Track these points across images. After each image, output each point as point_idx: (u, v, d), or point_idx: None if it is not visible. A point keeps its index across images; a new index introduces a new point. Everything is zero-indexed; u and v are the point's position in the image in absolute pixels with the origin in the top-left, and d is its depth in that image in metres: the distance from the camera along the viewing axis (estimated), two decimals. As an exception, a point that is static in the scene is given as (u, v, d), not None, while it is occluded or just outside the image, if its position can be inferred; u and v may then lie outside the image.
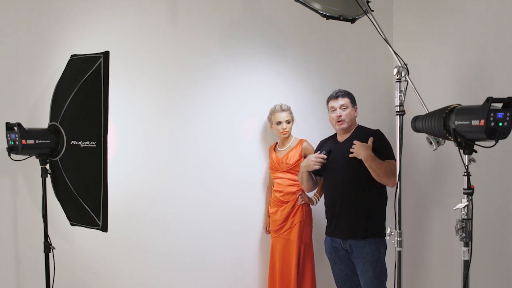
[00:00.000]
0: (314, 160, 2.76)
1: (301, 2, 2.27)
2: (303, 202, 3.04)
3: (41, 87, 2.56)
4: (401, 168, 2.17)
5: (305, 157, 3.01)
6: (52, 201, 2.34)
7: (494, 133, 1.66)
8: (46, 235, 2.29)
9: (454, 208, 1.86)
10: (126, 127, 2.81)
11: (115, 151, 2.69)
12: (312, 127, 3.33)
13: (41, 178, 2.28)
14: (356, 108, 2.82)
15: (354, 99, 2.82)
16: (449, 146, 2.05)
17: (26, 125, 2.18)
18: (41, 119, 2.45)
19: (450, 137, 1.85)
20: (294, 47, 3.35)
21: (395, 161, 2.39)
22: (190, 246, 3.02)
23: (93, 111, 2.12)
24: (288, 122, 3.10)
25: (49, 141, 2.21)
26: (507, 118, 1.65)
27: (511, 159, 2.47)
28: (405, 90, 2.15)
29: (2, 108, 2.46)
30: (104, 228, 2.15)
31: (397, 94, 2.14)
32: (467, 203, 1.83)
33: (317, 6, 2.29)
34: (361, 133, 2.75)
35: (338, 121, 2.74)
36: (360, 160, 2.57)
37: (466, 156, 1.84)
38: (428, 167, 3.16)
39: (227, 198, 3.14)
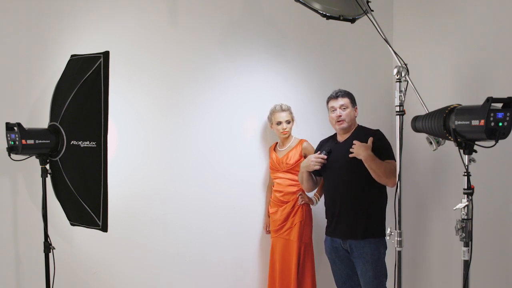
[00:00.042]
0: (314, 160, 2.76)
1: (301, 2, 2.27)
2: (303, 202, 3.04)
3: (41, 87, 2.56)
4: (401, 168, 2.17)
5: (305, 157, 3.01)
6: (52, 201, 2.34)
7: (494, 133, 1.66)
8: (46, 235, 2.29)
9: (454, 208, 1.86)
10: (126, 127, 2.81)
11: (115, 151, 2.69)
12: (312, 127, 3.33)
13: (41, 178, 2.28)
14: (356, 108, 2.82)
15: (354, 99, 2.82)
16: (449, 146, 2.05)
17: (26, 125, 2.18)
18: (41, 119, 2.45)
19: (450, 137, 1.85)
20: (294, 47, 3.35)
21: (395, 161, 2.39)
22: (190, 246, 3.02)
23: (93, 111, 2.12)
24: (288, 122, 3.10)
25: (49, 141, 2.21)
26: (507, 118, 1.65)
27: (511, 159, 2.47)
28: (405, 90, 2.15)
29: (2, 108, 2.46)
30: (104, 228, 2.15)
31: (397, 94, 2.14)
32: (467, 203, 1.83)
33: (317, 6, 2.29)
34: (361, 133, 2.75)
35: (338, 121, 2.74)
36: (360, 160, 2.57)
37: (466, 156, 1.84)
38: (428, 167, 3.16)
39: (227, 198, 3.14)
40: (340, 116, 2.73)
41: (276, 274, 3.08)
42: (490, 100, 1.64)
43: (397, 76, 2.13)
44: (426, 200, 3.19)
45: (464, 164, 1.84)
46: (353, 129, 2.79)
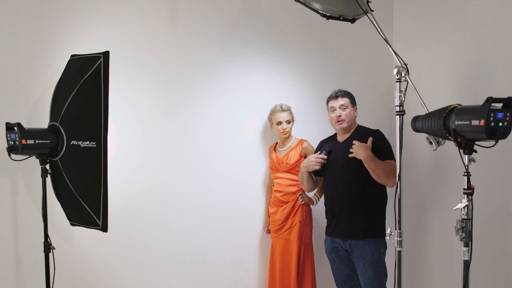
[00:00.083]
0: (314, 161, 2.76)
1: (301, 2, 2.27)
2: (303, 202, 3.04)
3: (41, 87, 2.56)
4: (401, 168, 2.17)
5: (305, 157, 3.01)
6: (52, 201, 2.34)
7: (494, 133, 1.66)
8: (46, 235, 2.29)
9: (454, 208, 1.86)
10: (126, 127, 2.81)
11: (115, 151, 2.69)
12: (312, 127, 3.33)
13: (41, 178, 2.28)
14: (356, 108, 2.82)
15: (354, 99, 2.82)
16: (449, 146, 2.05)
17: (26, 125, 2.18)
18: (41, 119, 2.45)
19: (450, 137, 1.85)
20: (294, 47, 3.35)
21: (395, 161, 2.40)
22: (190, 246, 3.02)
23: (93, 111, 2.11)
24: (288, 122, 3.10)
25: (49, 141, 2.21)
26: (507, 118, 1.65)
27: (511, 159, 2.47)
28: (405, 90, 2.15)
29: (2, 108, 2.46)
30: (104, 228, 2.15)
31: (397, 94, 2.14)
32: (467, 203, 1.83)
33: (317, 6, 2.29)
34: (361, 133, 2.75)
35: (338, 121, 2.74)
36: (360, 160, 2.57)
37: (466, 156, 1.84)
38: (428, 167, 3.16)
39: (227, 198, 3.14)
40: (340, 116, 2.73)
41: (276, 274, 3.08)
42: (490, 100, 1.64)
43: (397, 76, 2.13)
44: (426, 200, 3.19)
45: (464, 164, 1.84)
46: (353, 129, 2.79)
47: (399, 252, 2.16)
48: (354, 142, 2.63)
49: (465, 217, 1.83)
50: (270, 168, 3.21)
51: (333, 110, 2.77)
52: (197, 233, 3.04)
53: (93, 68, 2.13)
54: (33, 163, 2.32)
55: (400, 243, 2.15)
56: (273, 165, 3.16)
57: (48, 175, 2.30)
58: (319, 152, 2.82)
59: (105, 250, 2.75)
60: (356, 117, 2.82)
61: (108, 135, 2.09)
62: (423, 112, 2.15)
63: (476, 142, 1.80)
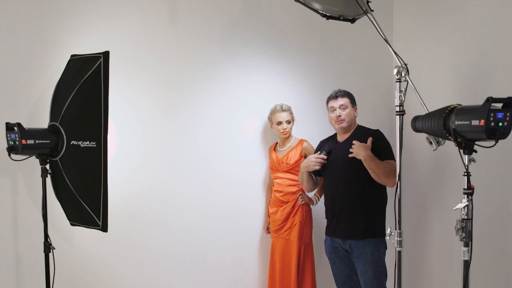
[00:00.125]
0: (314, 161, 2.76)
1: (301, 2, 2.27)
2: (303, 202, 3.04)
3: (41, 87, 2.56)
4: (401, 168, 2.17)
5: (305, 157, 3.00)
6: (52, 201, 2.34)
7: (494, 133, 1.66)
8: (46, 235, 2.29)
9: (454, 208, 1.86)
10: (126, 127, 2.81)
11: (115, 151, 2.69)
12: (312, 127, 3.33)
13: (41, 178, 2.28)
14: (356, 108, 2.82)
15: (354, 99, 2.82)
16: (449, 146, 2.05)
17: (26, 125, 2.18)
18: (41, 119, 2.45)
19: (450, 137, 1.85)
20: (294, 47, 3.35)
21: (395, 161, 2.40)
22: (190, 246, 3.02)
23: (93, 111, 2.12)
24: (288, 122, 3.10)
25: (49, 141, 2.21)
26: (507, 118, 1.65)
27: (511, 159, 2.47)
28: (405, 90, 2.15)
29: (2, 108, 2.46)
30: (104, 228, 2.15)
31: (397, 94, 2.14)
32: (467, 203, 1.83)
33: (317, 6, 2.29)
34: (361, 133, 2.75)
35: (338, 121, 2.74)
36: (360, 160, 2.57)
37: (466, 156, 1.84)
38: (428, 167, 3.16)
39: (227, 198, 3.14)
40: (339, 116, 2.73)
41: (276, 274, 3.08)
42: (490, 100, 1.64)
43: (397, 76, 2.13)
44: (426, 200, 3.19)
45: (464, 164, 1.84)
46: (353, 129, 2.79)
47: (399, 252, 2.16)
48: (353, 142, 2.63)
49: (465, 217, 1.83)
50: (270, 168, 3.21)
51: (333, 110, 2.77)
52: (197, 233, 3.04)
53: (93, 68, 2.13)
54: (33, 163, 2.32)
55: (400, 243, 2.15)
56: (273, 165, 3.16)
57: (48, 175, 2.30)
58: (319, 152, 2.82)
59: (105, 250, 2.75)
60: (356, 117, 2.82)
61: (108, 135, 2.09)
62: (423, 112, 2.15)
63: (476, 142, 1.80)
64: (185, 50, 2.98)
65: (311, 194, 3.11)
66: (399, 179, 2.16)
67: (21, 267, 2.53)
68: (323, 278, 3.22)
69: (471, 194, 1.83)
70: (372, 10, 2.40)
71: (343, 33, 3.39)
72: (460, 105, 1.88)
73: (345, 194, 2.68)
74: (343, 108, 2.74)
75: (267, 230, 3.24)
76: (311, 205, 3.10)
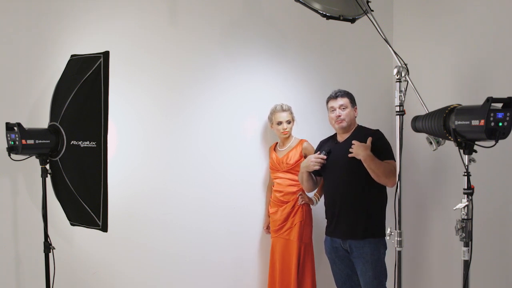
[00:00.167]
0: (314, 161, 2.76)
1: (301, 2, 2.27)
2: (303, 202, 3.04)
3: (41, 87, 2.56)
4: (401, 168, 2.17)
5: (305, 157, 3.01)
6: (52, 201, 2.34)
7: (494, 133, 1.66)
8: (46, 235, 2.29)
9: (454, 208, 1.86)
10: (126, 127, 2.81)
11: (115, 151, 2.69)
12: (312, 127, 3.33)
13: (41, 178, 2.28)
14: (356, 108, 2.82)
15: (354, 99, 2.82)
16: (449, 146, 2.05)
17: (26, 125, 2.18)
18: (41, 119, 2.45)
19: (450, 137, 1.85)
20: (294, 47, 3.35)
21: (395, 161, 2.40)
22: (190, 246, 3.02)
23: (93, 111, 2.12)
24: (288, 122, 3.10)
25: (49, 141, 2.21)
26: (507, 118, 1.65)
27: (511, 159, 2.47)
28: (405, 90, 2.15)
29: (2, 108, 2.46)
30: (104, 228, 2.15)
31: (397, 94, 2.14)
32: (467, 203, 1.83)
33: (317, 6, 2.29)
34: (361, 133, 2.75)
35: (337, 120, 2.74)
36: (360, 160, 2.57)
37: (466, 156, 1.84)
38: (428, 167, 3.16)
39: (227, 198, 3.14)
40: (339, 116, 2.73)
41: (276, 274, 3.08)
42: (490, 100, 1.64)
43: (397, 76, 2.13)
44: (426, 200, 3.19)
45: (464, 164, 1.84)
46: (353, 129, 2.79)
47: (399, 252, 2.15)
48: (353, 142, 2.63)
49: (465, 217, 1.83)
50: (270, 168, 3.21)
51: (332, 110, 2.77)
52: (197, 233, 3.04)
53: (93, 68, 2.13)
54: (33, 163, 2.32)
55: (400, 243, 2.15)
56: (273, 165, 3.16)
57: (48, 175, 2.30)
58: (318, 152, 2.82)
59: (105, 250, 2.75)
60: (356, 117, 2.82)
61: (108, 135, 2.09)
62: (423, 112, 2.15)
63: (476, 142, 1.80)
64: (185, 50, 2.98)
65: (311, 194, 3.11)
66: (399, 179, 2.16)
67: (21, 267, 2.53)
68: (323, 278, 3.22)
69: (471, 194, 1.83)
70: (372, 10, 2.40)
71: (343, 33, 3.39)
72: (460, 105, 1.88)
73: (345, 194, 2.68)
74: (343, 108, 2.74)
75: (267, 229, 3.24)
76: (311, 205, 3.10)
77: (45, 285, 2.31)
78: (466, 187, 1.83)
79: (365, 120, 2.93)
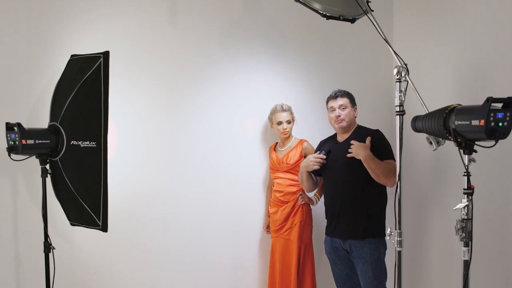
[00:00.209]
0: (313, 160, 2.76)
1: (301, 2, 2.27)
2: (303, 202, 3.04)
3: (41, 87, 2.56)
4: (401, 168, 2.17)
5: (305, 157, 3.00)
6: (52, 201, 2.34)
7: (494, 133, 1.66)
8: (46, 235, 2.29)
9: (454, 208, 1.86)
10: (126, 127, 2.81)
11: (115, 151, 2.69)
12: (312, 127, 3.33)
13: (41, 178, 2.28)
14: (356, 108, 2.82)
15: (354, 99, 2.82)
16: (449, 146, 2.05)
17: (26, 125, 2.18)
18: (41, 119, 2.45)
19: (450, 137, 1.85)
20: (294, 47, 3.35)
21: (395, 161, 2.40)
22: (190, 246, 3.02)
23: (93, 111, 2.12)
24: (288, 122, 3.10)
25: (49, 141, 2.21)
26: (507, 118, 1.65)
27: (511, 159, 2.47)
28: (405, 90, 2.15)
29: (2, 108, 2.46)
30: (104, 228, 2.15)
31: (397, 94, 2.14)
32: (467, 203, 1.83)
33: (317, 6, 2.29)
34: (361, 133, 2.75)
35: (337, 120, 2.74)
36: (360, 160, 2.57)
37: (466, 156, 1.84)
38: (428, 167, 3.16)
39: (227, 198, 3.14)
40: (339, 116, 2.73)
41: (276, 274, 3.08)
42: (490, 100, 1.64)
43: (397, 76, 2.13)
44: (426, 200, 3.19)
45: (464, 164, 1.84)
46: (353, 129, 2.79)
47: (399, 252, 2.15)
48: (352, 142, 2.62)
49: (465, 217, 1.83)
50: (270, 168, 3.21)
51: (332, 110, 2.77)
52: (197, 233, 3.04)
53: (93, 68, 2.13)
54: (33, 163, 2.32)
55: (400, 243, 2.15)
56: (273, 165, 3.16)
57: (48, 175, 2.30)
58: (318, 152, 2.82)
59: (105, 250, 2.75)
60: (355, 117, 2.82)
61: (108, 135, 2.09)
62: (423, 112, 2.15)
63: (476, 142, 1.80)
64: (185, 50, 2.99)
65: (311, 194, 3.11)
66: (399, 179, 2.16)
67: (21, 267, 2.53)
68: (323, 278, 3.22)
69: (471, 194, 1.83)
70: (372, 10, 2.40)
71: (343, 33, 3.39)
72: (460, 105, 1.88)
73: (345, 194, 2.68)
74: (343, 108, 2.74)
75: (267, 229, 3.24)
76: (311, 205, 3.10)
77: (45, 285, 2.31)
78: (466, 187, 1.83)
79: (365, 120, 2.93)
